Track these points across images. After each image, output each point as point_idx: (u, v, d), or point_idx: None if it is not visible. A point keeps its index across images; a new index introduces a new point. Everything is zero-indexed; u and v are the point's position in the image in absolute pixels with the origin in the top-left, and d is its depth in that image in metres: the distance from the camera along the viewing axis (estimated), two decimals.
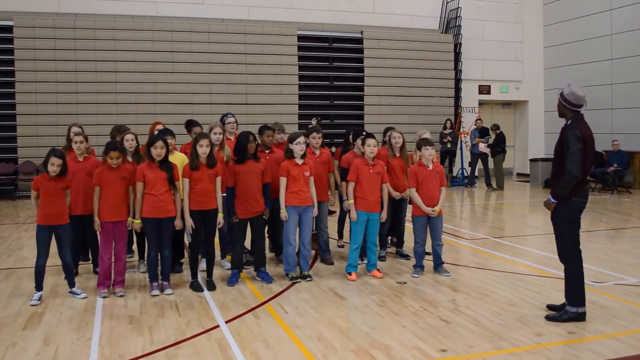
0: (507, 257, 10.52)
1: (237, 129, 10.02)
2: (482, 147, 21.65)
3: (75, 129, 9.74)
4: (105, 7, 20.43)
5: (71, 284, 8.23)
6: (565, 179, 6.68)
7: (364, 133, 9.86)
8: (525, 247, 11.45)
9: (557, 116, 7.30)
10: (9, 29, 19.24)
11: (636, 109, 21.59)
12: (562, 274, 7.18)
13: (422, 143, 9.33)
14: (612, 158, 20.66)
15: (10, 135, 19.27)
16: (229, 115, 10.24)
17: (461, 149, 23.22)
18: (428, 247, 9.46)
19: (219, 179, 8.51)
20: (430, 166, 9.22)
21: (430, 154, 9.19)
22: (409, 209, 10.01)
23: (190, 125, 10.12)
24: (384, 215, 9.38)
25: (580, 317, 6.95)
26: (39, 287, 7.94)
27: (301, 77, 22.12)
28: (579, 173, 6.69)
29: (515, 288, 8.47)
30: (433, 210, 9.09)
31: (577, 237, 7.01)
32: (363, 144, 9.12)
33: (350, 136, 10.41)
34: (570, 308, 7.01)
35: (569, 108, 7.02)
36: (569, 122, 6.99)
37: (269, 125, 9.88)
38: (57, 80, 19.32)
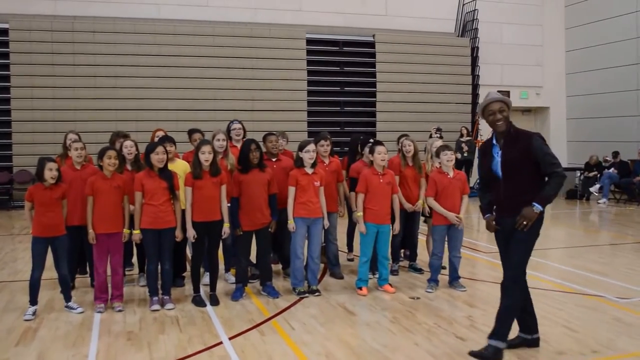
0: (527, 271, 10.43)
1: (243, 137, 10.03)
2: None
3: (72, 136, 9.77)
4: (105, 10, 20.51)
5: (67, 298, 8.22)
6: (556, 181, 6.16)
7: (371, 140, 9.85)
8: (546, 261, 11.37)
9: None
10: (4, 31, 19.37)
11: None
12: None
13: (441, 149, 9.31)
14: (638, 167, 20.56)
15: (5, 142, 19.34)
16: (235, 122, 10.25)
17: (478, 157, 23.10)
18: (443, 261, 9.41)
19: (224, 188, 8.51)
20: (451, 173, 9.21)
21: (449, 160, 9.17)
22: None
23: (191, 132, 10.16)
24: (397, 227, 9.36)
25: (498, 356, 6.26)
26: (33, 301, 7.94)
27: (310, 83, 22.18)
28: (565, 174, 6.28)
29: (536, 304, 8.33)
30: (458, 216, 9.08)
31: (528, 258, 6.43)
32: (371, 152, 9.07)
33: (359, 144, 10.40)
34: (493, 342, 6.34)
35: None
36: (512, 130, 6.41)
37: (273, 132, 9.89)
38: (54, 85, 19.41)
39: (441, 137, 15.81)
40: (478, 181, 22.34)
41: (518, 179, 6.29)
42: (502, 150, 6.37)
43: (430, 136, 16.59)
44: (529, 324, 6.75)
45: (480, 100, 23.82)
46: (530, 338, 6.73)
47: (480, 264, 11.20)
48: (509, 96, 24.78)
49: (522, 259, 6.36)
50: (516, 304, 6.44)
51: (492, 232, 6.70)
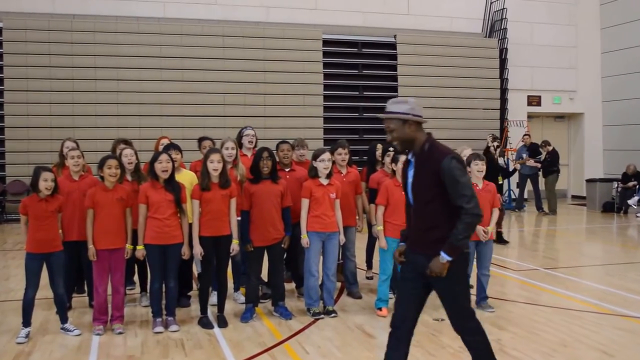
0: (560, 291, 10.41)
1: (256, 144, 10.01)
2: (531, 161, 21.46)
3: (69, 144, 9.76)
4: (106, 8, 20.56)
5: (63, 320, 8.18)
6: (466, 221, 5.31)
7: (390, 149, 9.80)
8: (581, 279, 11.33)
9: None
10: None
11: None
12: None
13: (472, 157, 9.27)
14: None
15: None
16: (247, 129, 10.23)
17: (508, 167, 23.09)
18: (471, 279, 9.33)
19: (233, 201, 8.49)
20: (480, 185, 9.18)
21: (480, 170, 9.14)
22: None
23: (201, 140, 10.15)
24: None
25: None
26: (26, 322, 7.92)
27: (326, 87, 22.17)
28: (480, 211, 5.42)
29: (569, 326, 8.36)
30: (485, 231, 9.03)
31: (470, 295, 5.88)
32: (394, 161, 9.03)
33: (378, 152, 10.35)
34: None
35: (419, 124, 5.61)
36: (427, 147, 5.51)
37: (287, 140, 9.86)
38: (51, 89, 19.44)
39: (499, 147, 15.75)
40: (517, 192, 22.41)
41: (428, 209, 5.53)
42: (414, 170, 5.62)
43: (488, 145, 16.46)
44: None
45: (509, 105, 23.88)
46: None
47: (510, 283, 11.14)
48: (539, 102, 24.85)
49: (461, 311, 5.63)
50: (483, 343, 5.78)
51: (398, 263, 5.97)
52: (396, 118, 5.50)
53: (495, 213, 9.25)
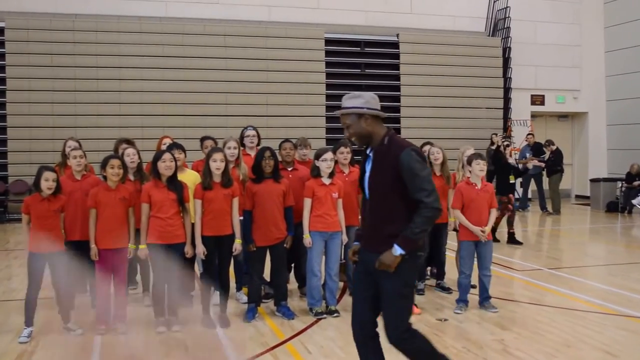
0: (564, 291, 10.41)
1: (258, 144, 10.02)
2: (535, 161, 21.42)
3: (71, 143, 9.75)
4: (108, 7, 20.57)
5: (66, 319, 8.22)
6: (425, 214, 5.14)
7: None
8: (585, 279, 11.33)
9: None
10: (0, 31, 19.42)
11: None
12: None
13: (473, 157, 9.28)
14: None
15: (0, 150, 19.39)
16: (249, 128, 10.25)
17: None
18: (473, 279, 9.36)
19: (235, 200, 8.49)
20: (479, 185, 9.17)
21: (481, 170, 9.13)
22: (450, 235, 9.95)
23: (203, 139, 10.16)
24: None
25: None
26: (29, 322, 7.94)
27: (329, 86, 22.14)
28: (440, 206, 5.25)
29: (573, 327, 8.36)
30: (483, 231, 9.02)
31: (411, 307, 5.49)
32: None
33: None
34: None
35: (378, 118, 5.46)
36: (386, 140, 5.36)
37: (290, 139, 9.87)
38: (53, 88, 19.46)
39: (509, 145, 15.71)
40: (521, 192, 22.35)
41: (384, 204, 5.34)
42: (372, 165, 5.43)
43: (497, 145, 16.44)
44: None
45: (512, 104, 23.85)
46: None
47: (513, 283, 11.14)
48: (543, 101, 24.80)
49: (400, 317, 5.31)
50: (424, 349, 5.44)
51: (352, 263, 5.84)
52: (351, 113, 5.41)
53: (493, 214, 9.24)
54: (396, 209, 5.25)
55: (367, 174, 5.44)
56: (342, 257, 9.70)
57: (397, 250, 5.10)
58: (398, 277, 5.21)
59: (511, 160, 15.60)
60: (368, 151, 5.49)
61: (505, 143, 15.91)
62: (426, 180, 5.15)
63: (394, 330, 5.26)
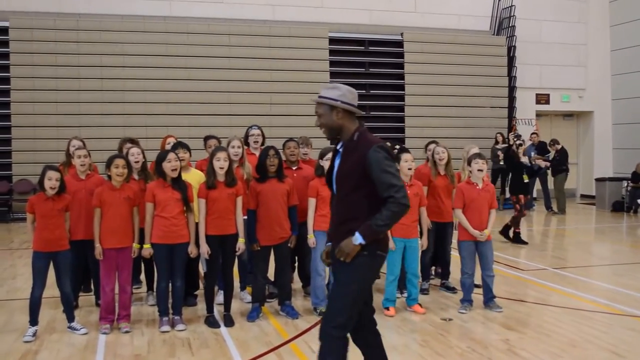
0: (570, 290, 10.40)
1: (262, 143, 10.02)
2: (540, 160, 21.40)
3: (75, 143, 9.76)
4: (112, 7, 20.61)
5: (70, 318, 8.22)
6: (392, 209, 5.01)
7: (396, 147, 9.78)
8: (590, 279, 11.32)
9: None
10: (4, 30, 19.50)
11: None
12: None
13: (473, 157, 9.26)
14: None
15: (5, 149, 19.43)
16: (253, 128, 10.25)
17: None
18: (477, 279, 9.36)
19: (239, 199, 8.48)
20: (480, 185, 9.16)
21: (480, 169, 9.11)
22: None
23: (206, 139, 10.16)
24: (424, 242, 9.34)
25: None
26: (33, 321, 7.94)
27: None
28: (408, 202, 5.10)
29: (579, 327, 8.35)
30: (482, 234, 9.01)
31: (356, 314, 5.29)
32: (397, 160, 9.02)
33: None
34: None
35: (352, 113, 5.45)
36: (356, 136, 5.32)
37: (295, 138, 9.88)
38: (57, 88, 19.49)
39: (522, 145, 15.70)
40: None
41: (349, 199, 5.23)
42: (340, 160, 5.36)
43: (510, 144, 16.43)
44: None
45: (517, 103, 23.83)
46: None
47: (518, 283, 11.10)
48: (548, 100, 24.76)
49: (339, 308, 5.15)
50: (332, 356, 5.17)
51: (326, 265, 5.85)
52: (325, 103, 5.34)
53: (493, 214, 9.21)
54: (360, 206, 5.16)
55: (335, 169, 5.37)
56: None
57: (358, 239, 4.99)
58: (351, 271, 5.12)
59: (524, 159, 15.55)
60: (338, 146, 5.41)
61: (518, 142, 15.87)
62: (395, 177, 5.09)
63: (326, 323, 5.18)
